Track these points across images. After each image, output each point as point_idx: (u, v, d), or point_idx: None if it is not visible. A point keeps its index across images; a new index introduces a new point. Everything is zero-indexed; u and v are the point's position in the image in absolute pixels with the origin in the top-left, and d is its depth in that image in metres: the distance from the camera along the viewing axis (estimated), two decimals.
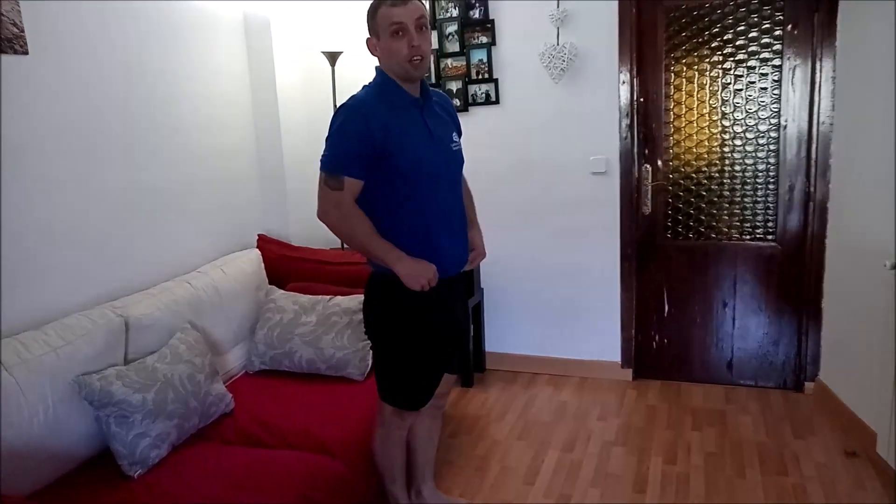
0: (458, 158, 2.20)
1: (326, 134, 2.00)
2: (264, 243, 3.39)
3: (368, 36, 2.04)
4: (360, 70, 3.83)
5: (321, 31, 3.66)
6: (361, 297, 2.84)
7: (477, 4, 3.63)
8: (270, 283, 3.20)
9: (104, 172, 2.58)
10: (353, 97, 2.03)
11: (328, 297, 2.92)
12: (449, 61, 3.74)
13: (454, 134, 2.19)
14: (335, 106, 3.71)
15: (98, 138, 2.56)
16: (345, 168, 1.95)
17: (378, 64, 2.07)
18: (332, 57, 3.63)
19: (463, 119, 3.80)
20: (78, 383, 2.11)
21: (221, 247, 3.24)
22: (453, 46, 3.71)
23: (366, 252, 2.04)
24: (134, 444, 2.10)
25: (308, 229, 3.81)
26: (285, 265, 3.28)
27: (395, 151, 1.97)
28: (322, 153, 2.00)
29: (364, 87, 2.08)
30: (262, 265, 3.23)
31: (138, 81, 2.76)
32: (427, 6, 3.65)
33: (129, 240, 2.71)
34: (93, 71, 2.53)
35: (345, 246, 3.51)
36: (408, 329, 2.12)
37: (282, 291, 3.03)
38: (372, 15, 2.00)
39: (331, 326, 2.78)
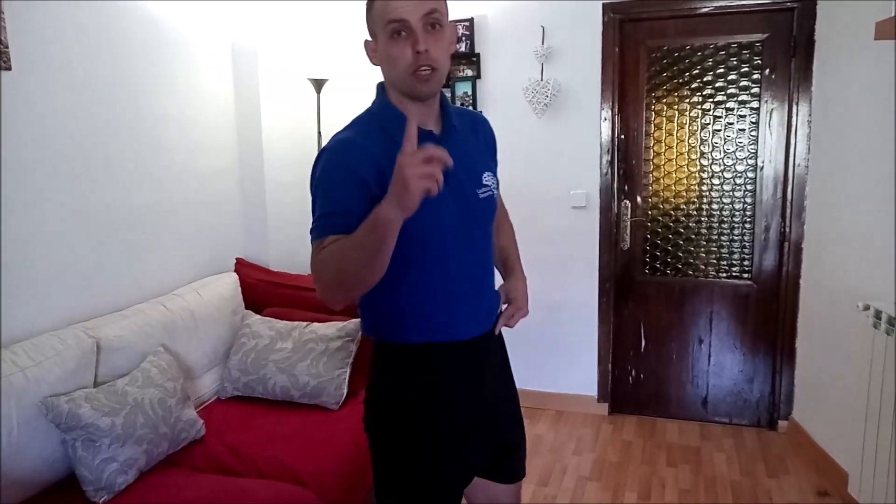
0: (485, 208, 1.59)
1: (311, 194, 1.48)
2: (242, 267, 3.36)
3: (367, 40, 1.51)
4: (345, 97, 3.88)
5: (307, 59, 3.68)
6: (339, 324, 2.86)
7: (463, 38, 3.68)
8: (247, 307, 3.17)
9: (81, 191, 2.55)
10: (336, 135, 1.50)
11: (305, 323, 2.90)
12: None
13: (486, 174, 1.59)
14: (319, 133, 3.72)
15: (78, 157, 2.53)
16: (332, 227, 1.38)
17: (381, 79, 1.54)
18: (318, 84, 3.65)
19: None
20: (45, 405, 2.06)
21: (199, 270, 3.20)
22: None
23: (364, 262, 1.30)
24: (100, 469, 2.05)
25: (287, 254, 3.79)
26: (263, 290, 3.25)
27: (365, 193, 1.38)
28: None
29: (358, 117, 1.57)
30: (240, 289, 3.20)
31: (122, 101, 2.75)
32: None
33: (105, 260, 2.67)
34: (76, 89, 2.52)
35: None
36: (431, 423, 1.53)
37: (258, 316, 3.00)
38: (368, 8, 1.47)
39: (306, 353, 2.75)
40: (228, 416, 2.64)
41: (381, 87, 1.55)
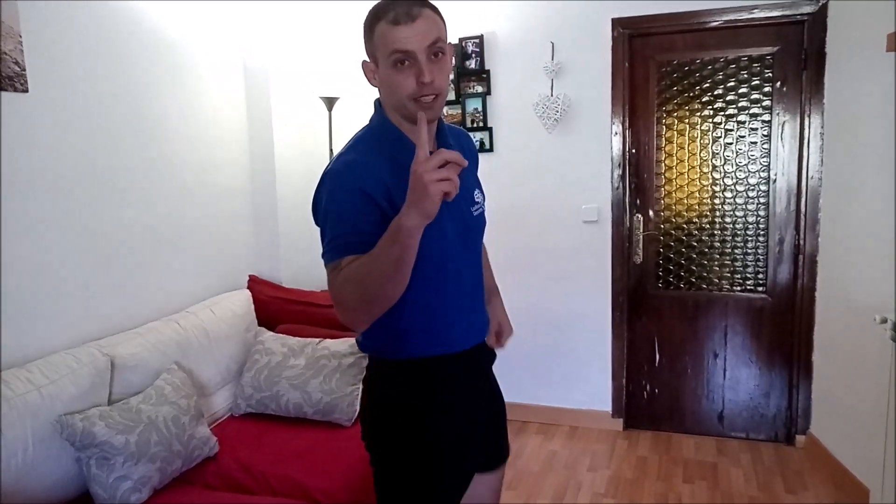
0: (479, 225, 1.64)
1: (314, 218, 1.48)
2: (255, 284, 3.38)
3: (365, 62, 1.49)
4: (357, 114, 3.90)
5: (319, 77, 3.72)
6: (351, 341, 2.85)
7: (473, 55, 3.70)
8: (260, 324, 3.18)
9: (95, 210, 2.58)
10: (337, 157, 1.49)
11: (317, 340, 2.90)
12: (445, 110, 3.79)
13: (476, 191, 1.63)
14: (331, 151, 3.75)
15: (92, 176, 2.56)
16: (350, 247, 1.37)
17: (378, 96, 1.54)
18: (330, 102, 3.68)
19: None
20: (60, 423, 2.07)
21: (212, 287, 3.22)
22: (449, 95, 3.76)
23: (387, 276, 1.29)
24: (114, 487, 2.06)
25: (299, 271, 3.80)
26: (275, 307, 3.26)
27: (375, 214, 1.39)
28: (323, 244, 1.43)
29: (355, 136, 1.55)
30: (252, 306, 3.21)
31: (136, 122, 2.78)
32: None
33: (119, 278, 2.69)
34: (91, 111, 2.56)
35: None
36: (430, 433, 1.54)
37: (271, 333, 3.01)
38: (368, 30, 1.43)
39: (319, 370, 2.75)
40: (241, 434, 2.64)
41: (379, 105, 1.54)
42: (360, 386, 2.76)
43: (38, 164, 2.34)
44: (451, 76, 3.67)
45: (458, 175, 1.24)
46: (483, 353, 1.68)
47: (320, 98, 3.67)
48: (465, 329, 1.59)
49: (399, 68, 1.39)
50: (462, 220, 1.54)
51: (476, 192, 1.63)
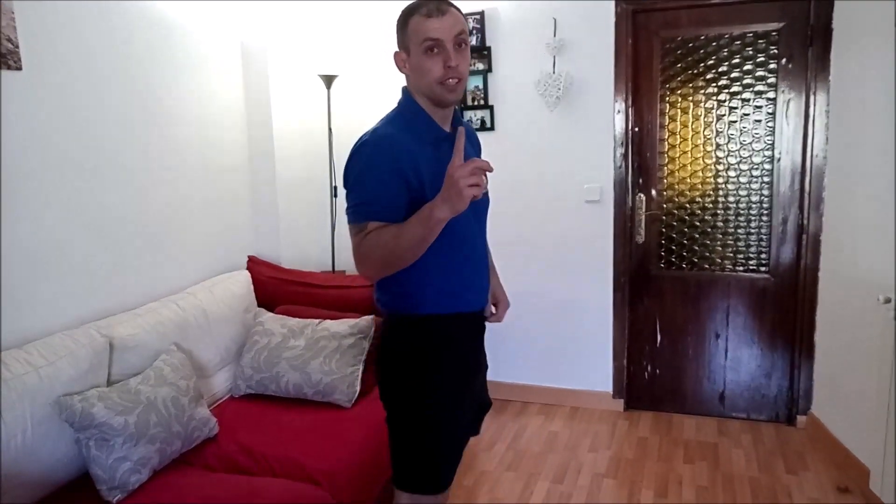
0: (485, 203, 1.86)
1: (345, 180, 1.66)
2: (254, 265, 3.36)
3: (397, 49, 1.71)
4: (356, 92, 3.86)
5: (317, 55, 3.67)
6: (351, 321, 2.84)
7: (474, 31, 3.65)
8: (260, 305, 3.17)
9: (94, 191, 2.55)
10: (373, 130, 1.67)
11: (317, 320, 2.88)
12: None
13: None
14: (330, 130, 3.71)
15: (88, 157, 2.53)
16: (375, 214, 1.58)
17: (406, 84, 1.75)
18: (329, 80, 3.63)
19: None
20: (59, 404, 2.06)
21: (211, 268, 3.20)
22: None
23: (414, 248, 1.54)
24: (114, 468, 2.05)
25: (299, 252, 3.78)
26: (275, 288, 3.24)
27: (421, 198, 1.58)
28: (347, 205, 1.64)
29: (386, 117, 1.73)
30: (252, 287, 3.19)
31: (132, 101, 2.74)
32: None
33: (117, 259, 2.67)
34: (87, 90, 2.52)
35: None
36: (440, 384, 1.75)
37: (270, 314, 2.99)
38: (402, 25, 1.68)
39: (319, 351, 2.73)
40: (241, 415, 2.64)
41: (407, 92, 1.75)
42: (361, 367, 2.75)
43: (34, 144, 2.30)
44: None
45: (468, 158, 1.48)
46: (482, 316, 1.91)
47: (319, 76, 3.62)
48: (475, 291, 1.83)
49: (429, 55, 1.63)
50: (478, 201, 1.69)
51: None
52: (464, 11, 3.78)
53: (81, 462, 2.11)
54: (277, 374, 2.73)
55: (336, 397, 2.69)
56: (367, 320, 2.86)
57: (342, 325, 2.83)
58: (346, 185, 1.66)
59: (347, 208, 1.64)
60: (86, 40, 2.51)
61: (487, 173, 1.49)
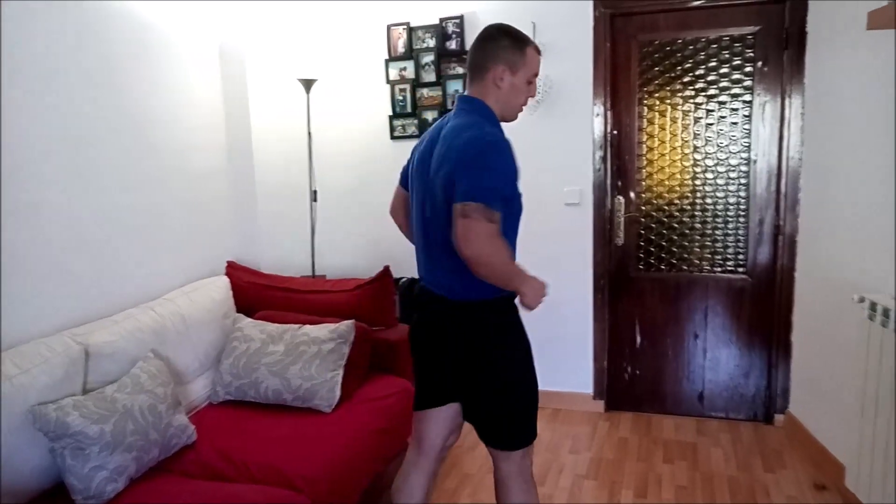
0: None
1: (476, 165, 1.80)
2: (233, 270, 3.34)
3: (502, 66, 1.92)
4: (335, 96, 3.85)
5: (296, 59, 3.66)
6: (331, 326, 2.83)
7: (453, 36, 3.65)
8: (239, 311, 3.15)
9: (69, 195, 2.52)
10: (493, 132, 1.89)
11: (297, 325, 2.87)
12: (425, 91, 3.75)
13: None
14: (309, 134, 3.70)
15: (65, 160, 2.50)
16: (502, 201, 1.80)
17: (479, 96, 1.96)
18: (308, 84, 3.62)
19: None
20: (33, 413, 2.03)
21: (189, 273, 3.18)
22: (429, 77, 3.73)
23: (505, 279, 1.84)
24: (89, 477, 2.02)
25: (279, 257, 3.77)
26: (254, 293, 3.23)
27: (517, 192, 1.92)
28: (476, 185, 1.76)
29: (481, 120, 1.92)
30: (231, 293, 3.17)
31: (109, 104, 2.72)
32: (406, 37, 3.70)
33: (93, 265, 2.64)
34: (63, 93, 2.49)
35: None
36: (528, 346, 2.07)
37: (249, 320, 2.97)
38: (520, 51, 1.93)
39: (299, 356, 2.72)
40: (220, 421, 2.62)
41: (486, 105, 1.96)
42: (341, 372, 2.74)
43: (7, 147, 2.27)
44: (431, 59, 3.64)
45: None
46: None
47: (298, 80, 3.61)
48: None
49: (527, 85, 1.98)
50: None
51: None
52: (443, 15, 3.81)
53: (56, 471, 2.08)
54: (257, 380, 2.72)
55: (316, 403, 2.68)
56: (347, 325, 2.85)
57: (322, 330, 2.82)
58: (478, 166, 1.79)
59: (484, 190, 1.75)
60: (62, 43, 2.49)
61: None
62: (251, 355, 2.76)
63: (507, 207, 1.85)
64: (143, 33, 2.90)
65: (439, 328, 2.07)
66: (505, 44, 1.94)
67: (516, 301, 1.94)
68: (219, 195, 3.48)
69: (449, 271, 1.95)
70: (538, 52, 1.98)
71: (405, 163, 2.26)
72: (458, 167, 1.82)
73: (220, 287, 3.13)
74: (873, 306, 2.37)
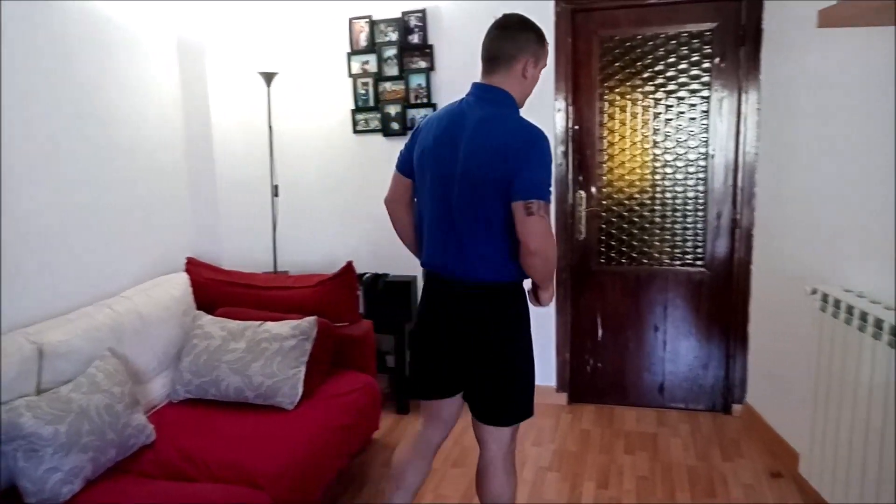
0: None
1: (534, 160, 1.89)
2: (193, 267, 3.29)
3: (530, 57, 2.01)
4: (296, 90, 3.81)
5: (257, 52, 3.61)
6: (293, 323, 2.81)
7: (416, 30, 3.64)
8: (199, 308, 3.10)
9: (22, 190, 2.46)
10: (534, 125, 1.96)
11: (258, 322, 2.84)
12: (388, 85, 3.73)
13: None
14: (270, 128, 3.66)
15: (19, 156, 2.43)
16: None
17: (501, 85, 2.02)
18: (268, 77, 3.58)
19: (402, 143, 3.79)
20: None
21: (148, 270, 3.12)
22: (392, 70, 3.71)
23: (550, 271, 2.00)
24: (43, 479, 1.98)
25: (241, 252, 3.72)
26: (215, 289, 3.19)
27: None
28: (537, 182, 1.87)
29: (514, 111, 2.01)
30: (190, 289, 3.13)
31: (64, 98, 2.66)
32: (368, 30, 3.67)
33: (48, 262, 2.58)
34: (16, 86, 2.42)
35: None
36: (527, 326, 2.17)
37: (210, 317, 2.93)
38: (542, 42, 2.04)
39: (260, 353, 2.70)
40: (180, 420, 2.58)
41: (512, 97, 2.01)
42: (303, 369, 2.72)
43: None
44: (394, 53, 3.61)
45: None
46: None
47: (259, 73, 3.57)
48: None
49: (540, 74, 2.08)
50: None
51: None
52: (405, 9, 3.79)
53: (9, 474, 2.03)
54: (217, 378, 2.69)
55: (278, 400, 2.66)
56: (309, 321, 2.83)
57: (284, 327, 2.79)
58: (535, 162, 1.88)
59: (542, 186, 1.87)
60: (15, 36, 2.41)
61: None
62: (212, 353, 2.73)
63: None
64: (97, 26, 2.83)
65: (453, 309, 2.11)
66: (532, 36, 2.02)
67: (526, 288, 2.13)
68: (178, 190, 3.43)
69: (478, 255, 2.00)
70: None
71: (402, 151, 2.26)
72: (514, 162, 1.88)
73: (180, 284, 3.08)
74: (825, 298, 2.44)
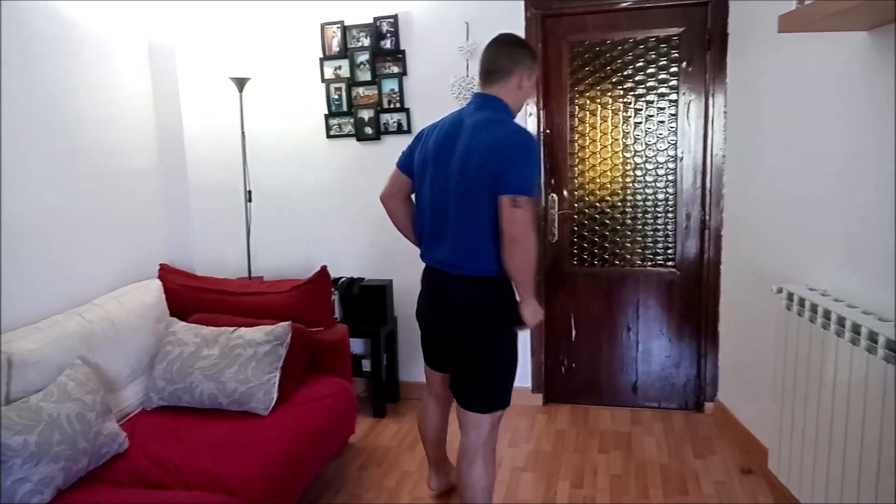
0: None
1: (522, 160, 2.09)
2: (166, 273, 3.27)
3: (525, 72, 2.25)
4: (269, 95, 3.81)
5: (229, 57, 3.60)
6: (267, 328, 2.81)
7: (388, 35, 3.66)
8: (173, 314, 3.09)
9: None
10: (525, 129, 2.21)
11: (232, 328, 2.84)
12: (361, 90, 3.75)
13: None
14: (243, 134, 3.65)
15: None
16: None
17: (498, 95, 2.24)
18: (240, 83, 3.57)
19: (375, 148, 3.82)
20: None
21: (119, 277, 3.10)
22: (365, 76, 3.72)
23: (530, 267, 2.15)
24: (12, 490, 1.96)
25: (214, 259, 3.71)
26: (188, 296, 3.17)
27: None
28: (524, 179, 2.07)
29: (508, 117, 2.24)
30: (163, 296, 3.11)
31: (32, 103, 2.63)
32: (340, 36, 3.68)
33: (17, 270, 2.55)
34: None
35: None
36: (514, 322, 2.30)
37: (183, 323, 2.92)
38: (534, 59, 2.30)
39: (234, 359, 2.69)
40: (153, 428, 2.56)
41: (506, 104, 2.25)
42: (277, 374, 2.72)
43: None
44: (366, 58, 3.62)
45: None
46: None
47: (230, 79, 3.56)
48: None
49: (532, 89, 2.34)
50: None
51: None
52: (376, 14, 3.81)
53: None
54: (191, 385, 2.67)
55: (253, 405, 2.65)
56: (283, 326, 2.83)
57: (258, 333, 2.79)
58: (522, 161, 2.09)
59: (528, 183, 2.07)
60: None
61: None
62: (185, 359, 2.72)
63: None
64: (66, 28, 2.81)
65: (445, 298, 2.32)
66: (526, 53, 2.27)
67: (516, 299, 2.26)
68: (150, 196, 3.41)
69: (469, 249, 2.20)
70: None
71: (405, 150, 2.50)
72: (504, 160, 2.08)
73: (152, 291, 3.06)
74: (790, 296, 2.49)
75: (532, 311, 2.25)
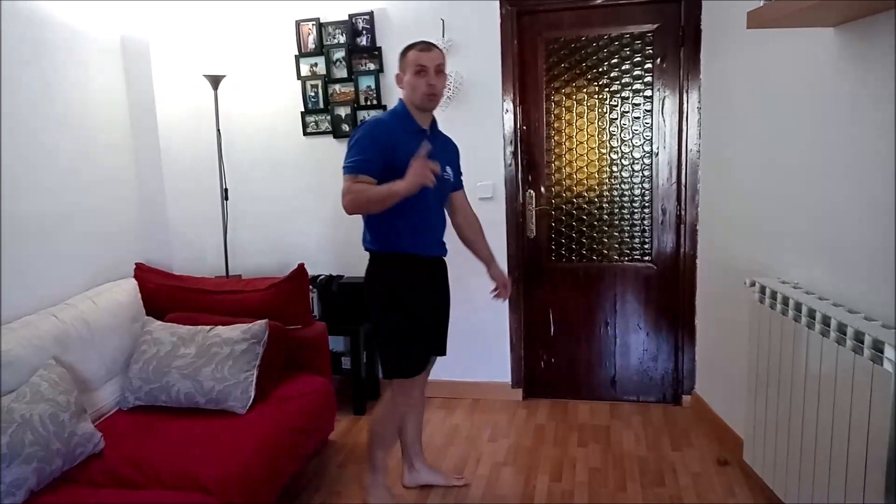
0: (447, 185, 2.64)
1: (348, 144, 2.39)
2: (142, 272, 3.24)
3: (398, 72, 2.50)
4: (244, 93, 3.79)
5: (204, 54, 3.58)
6: (244, 327, 2.80)
7: (364, 32, 3.66)
8: (149, 314, 3.06)
9: None
10: (375, 117, 2.53)
11: (209, 327, 2.82)
12: (337, 87, 3.74)
13: (447, 167, 2.61)
14: (219, 131, 3.64)
15: None
16: (363, 169, 2.32)
17: (402, 96, 2.50)
18: (215, 80, 3.55)
19: None
20: None
21: (94, 277, 3.07)
22: (341, 72, 3.72)
23: (380, 203, 2.30)
24: None
25: (192, 258, 3.68)
26: (165, 295, 3.15)
27: (398, 165, 2.26)
28: (345, 160, 2.35)
29: (386, 111, 2.66)
30: (139, 295, 3.09)
31: (2, 102, 2.60)
32: (315, 33, 3.67)
33: None
34: None
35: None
36: (404, 299, 2.49)
37: (159, 323, 2.90)
38: (403, 55, 2.49)
39: (211, 358, 2.68)
40: (130, 428, 2.55)
41: (401, 101, 2.51)
42: (255, 372, 2.71)
43: None
44: (342, 55, 3.62)
45: (438, 149, 2.44)
46: (441, 266, 2.70)
47: (205, 76, 3.54)
48: (431, 242, 2.61)
49: (418, 76, 2.41)
50: (440, 178, 2.38)
51: (448, 168, 2.61)
52: (352, 12, 3.81)
53: None
54: (168, 384, 2.66)
55: (230, 404, 2.64)
56: (260, 325, 2.82)
57: (234, 331, 2.78)
58: (348, 147, 2.39)
59: (346, 163, 2.35)
60: None
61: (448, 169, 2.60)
62: (161, 359, 2.70)
63: (383, 176, 2.31)
64: (35, 24, 2.78)
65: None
66: (400, 57, 2.52)
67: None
68: (126, 195, 3.38)
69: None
70: (420, 49, 2.44)
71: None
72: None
73: (127, 290, 3.04)
74: (763, 289, 2.52)
75: (410, 179, 2.21)
